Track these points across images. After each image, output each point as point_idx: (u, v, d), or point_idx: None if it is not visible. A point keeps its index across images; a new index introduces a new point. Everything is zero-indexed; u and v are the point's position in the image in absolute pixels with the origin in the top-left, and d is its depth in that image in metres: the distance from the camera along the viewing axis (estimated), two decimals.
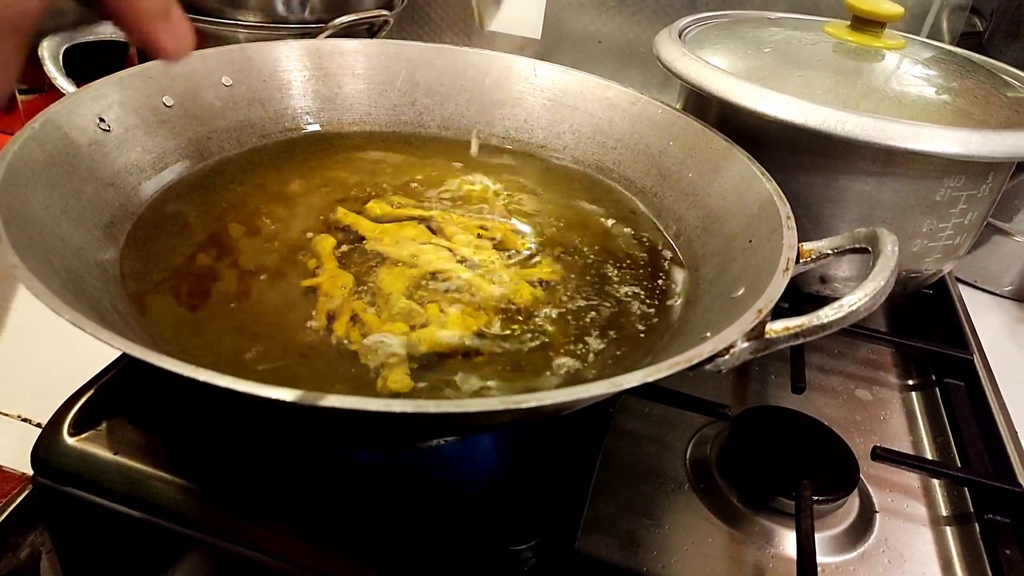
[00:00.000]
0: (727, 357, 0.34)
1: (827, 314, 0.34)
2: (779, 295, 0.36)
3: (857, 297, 0.34)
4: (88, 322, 0.29)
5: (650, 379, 0.30)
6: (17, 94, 0.86)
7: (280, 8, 0.75)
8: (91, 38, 0.52)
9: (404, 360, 0.39)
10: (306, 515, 0.39)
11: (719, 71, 0.55)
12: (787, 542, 0.45)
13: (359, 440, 0.42)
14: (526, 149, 0.63)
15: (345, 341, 0.41)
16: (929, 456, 0.53)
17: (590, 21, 0.96)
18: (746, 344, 0.35)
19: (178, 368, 0.27)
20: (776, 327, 0.35)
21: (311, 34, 0.74)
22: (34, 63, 0.50)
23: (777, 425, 0.50)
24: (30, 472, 0.42)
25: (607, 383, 0.29)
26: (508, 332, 0.43)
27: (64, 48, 0.51)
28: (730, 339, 0.33)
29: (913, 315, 0.67)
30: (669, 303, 0.47)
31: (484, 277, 0.47)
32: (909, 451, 0.53)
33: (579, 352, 0.42)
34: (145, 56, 0.53)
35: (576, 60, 0.98)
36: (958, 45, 0.81)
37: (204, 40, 0.75)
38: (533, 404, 0.28)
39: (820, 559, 0.42)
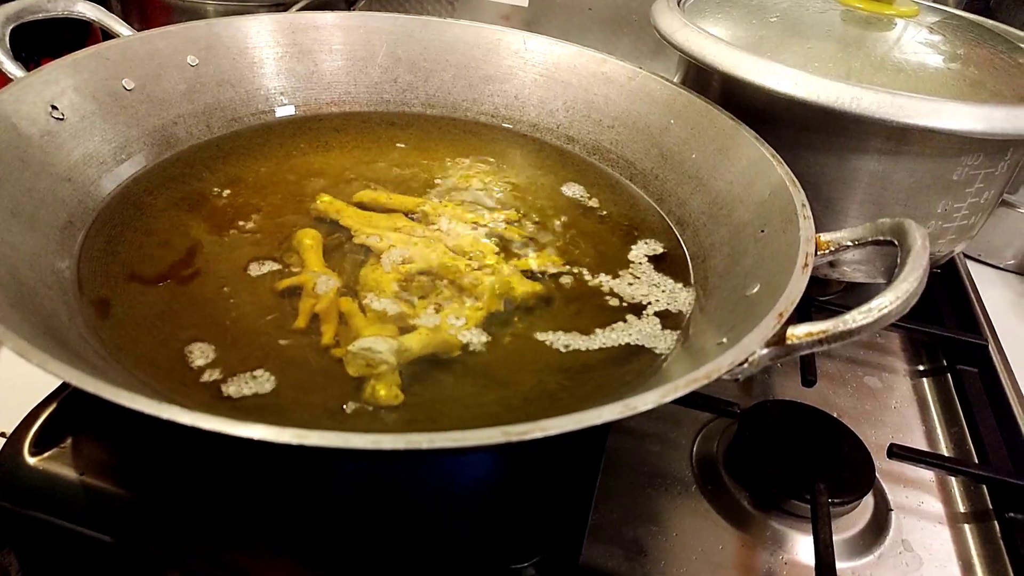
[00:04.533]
0: (746, 366, 0.31)
1: (855, 319, 0.31)
2: (799, 296, 0.33)
3: (888, 300, 0.31)
4: (36, 352, 0.26)
5: (667, 399, 0.27)
6: None
7: None
8: (41, 16, 0.48)
9: (394, 369, 0.36)
10: (288, 536, 0.36)
11: (723, 43, 0.51)
12: (801, 547, 0.43)
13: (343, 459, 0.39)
14: (517, 128, 0.59)
15: (333, 347, 0.38)
16: (944, 447, 0.51)
17: None
18: (765, 351, 0.32)
19: (139, 405, 0.24)
20: (799, 332, 0.32)
21: (284, 6, 0.70)
22: None
23: (786, 421, 0.47)
24: None
25: (621, 406, 0.27)
26: (503, 330, 0.40)
27: (11, 27, 0.46)
28: (750, 349, 0.30)
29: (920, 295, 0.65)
30: (676, 297, 0.44)
31: (478, 271, 0.44)
32: (922, 442, 0.51)
33: (580, 351, 0.40)
34: (109, 36, 0.49)
35: (564, 28, 0.94)
36: (965, 10, 0.78)
37: (169, 14, 0.70)
38: (538, 435, 0.25)
39: (838, 565, 0.40)
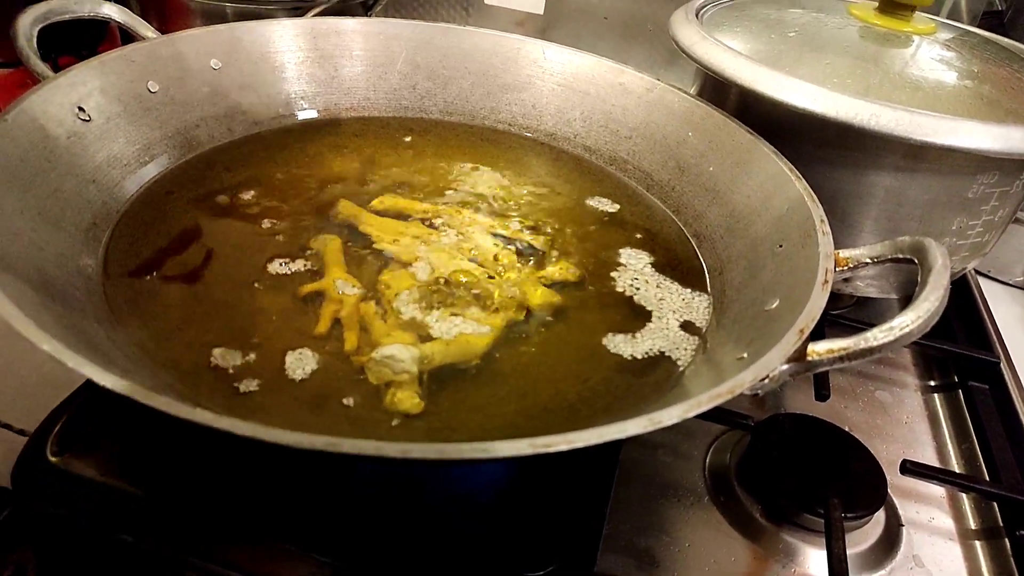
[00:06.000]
0: (767, 382, 0.32)
1: (877, 337, 0.31)
2: (820, 312, 0.34)
3: (909, 319, 0.31)
4: (71, 354, 0.26)
5: (691, 414, 0.28)
6: None
7: None
8: (68, 17, 0.48)
9: (415, 377, 0.37)
10: (307, 540, 0.37)
11: (742, 57, 0.51)
12: (813, 560, 0.43)
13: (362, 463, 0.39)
14: (535, 137, 0.59)
15: (354, 354, 0.38)
16: (955, 464, 0.51)
17: None
18: (786, 367, 0.32)
19: (173, 410, 0.25)
20: (819, 348, 0.32)
21: (303, 9, 0.70)
22: (7, 35, 0.46)
23: (799, 434, 0.47)
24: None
25: (645, 420, 0.27)
26: (521, 339, 0.41)
27: (39, 27, 0.47)
28: (771, 365, 0.31)
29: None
30: (693, 308, 0.44)
31: (497, 279, 0.44)
32: (933, 458, 0.51)
33: (598, 360, 0.40)
34: (129, 37, 0.49)
35: (579, 36, 0.94)
36: (978, 26, 0.78)
37: (187, 15, 0.70)
38: (565, 448, 0.26)
39: None
